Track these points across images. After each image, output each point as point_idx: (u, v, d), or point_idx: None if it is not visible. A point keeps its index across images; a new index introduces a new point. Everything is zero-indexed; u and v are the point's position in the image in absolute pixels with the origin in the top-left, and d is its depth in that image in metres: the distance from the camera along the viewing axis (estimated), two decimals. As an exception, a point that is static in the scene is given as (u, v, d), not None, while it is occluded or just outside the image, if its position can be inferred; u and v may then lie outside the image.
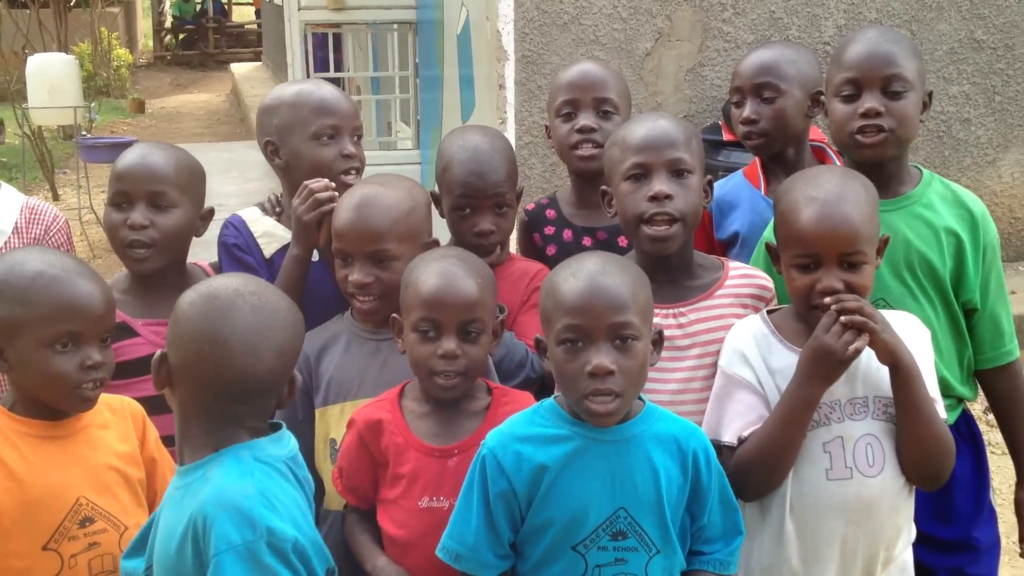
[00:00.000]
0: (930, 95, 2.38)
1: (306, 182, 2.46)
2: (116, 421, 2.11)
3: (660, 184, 2.16)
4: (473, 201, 2.47)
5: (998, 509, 3.81)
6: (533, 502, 1.92)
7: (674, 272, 2.25)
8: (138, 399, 2.34)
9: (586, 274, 1.89)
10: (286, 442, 1.84)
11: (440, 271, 2.10)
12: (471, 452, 2.04)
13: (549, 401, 1.98)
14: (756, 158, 2.82)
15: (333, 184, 2.45)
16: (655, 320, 2.19)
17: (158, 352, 1.80)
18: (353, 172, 2.57)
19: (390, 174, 2.51)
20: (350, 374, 2.32)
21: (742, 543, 2.04)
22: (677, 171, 2.18)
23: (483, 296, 2.10)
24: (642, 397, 1.99)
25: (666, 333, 2.19)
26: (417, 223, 2.36)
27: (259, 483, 1.71)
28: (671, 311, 2.22)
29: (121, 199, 2.38)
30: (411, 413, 2.14)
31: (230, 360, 1.74)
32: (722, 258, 2.36)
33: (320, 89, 2.64)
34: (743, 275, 2.29)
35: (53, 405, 2.02)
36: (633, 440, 1.92)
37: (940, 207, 2.34)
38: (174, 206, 2.41)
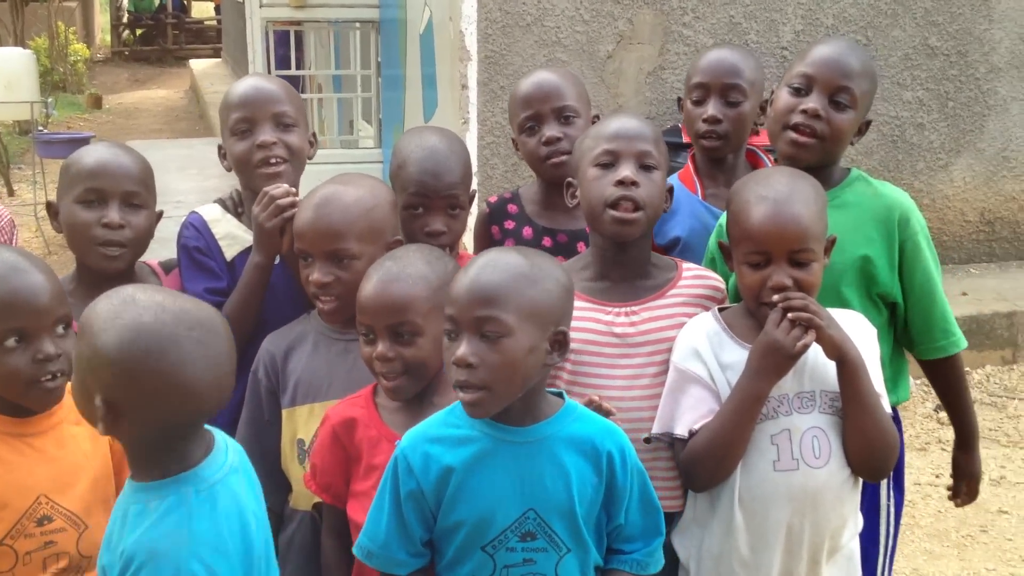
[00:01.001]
0: (867, 124, 2.43)
1: (266, 188, 2.42)
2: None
3: (628, 170, 2.20)
4: (426, 200, 2.46)
5: (946, 504, 3.92)
6: (442, 503, 1.93)
7: (628, 269, 2.28)
8: None
9: (475, 265, 1.91)
10: (223, 452, 1.76)
11: (375, 275, 2.10)
12: None
13: None
14: (689, 161, 2.83)
15: (294, 190, 2.42)
16: (607, 318, 2.24)
17: (97, 400, 1.64)
18: (276, 161, 2.50)
19: (354, 173, 2.49)
20: (319, 375, 2.31)
21: (661, 541, 2.06)
22: (644, 165, 2.23)
23: (416, 298, 2.08)
24: (563, 396, 2.00)
25: (618, 331, 2.24)
26: (378, 222, 2.33)
27: (195, 531, 1.64)
28: (623, 309, 2.25)
29: (93, 196, 2.35)
30: (384, 409, 2.15)
31: (192, 399, 1.65)
32: (676, 259, 2.40)
33: (242, 83, 2.61)
34: (696, 275, 2.33)
35: (17, 402, 1.99)
36: (544, 441, 1.92)
37: (852, 208, 2.38)
38: (144, 206, 2.41)
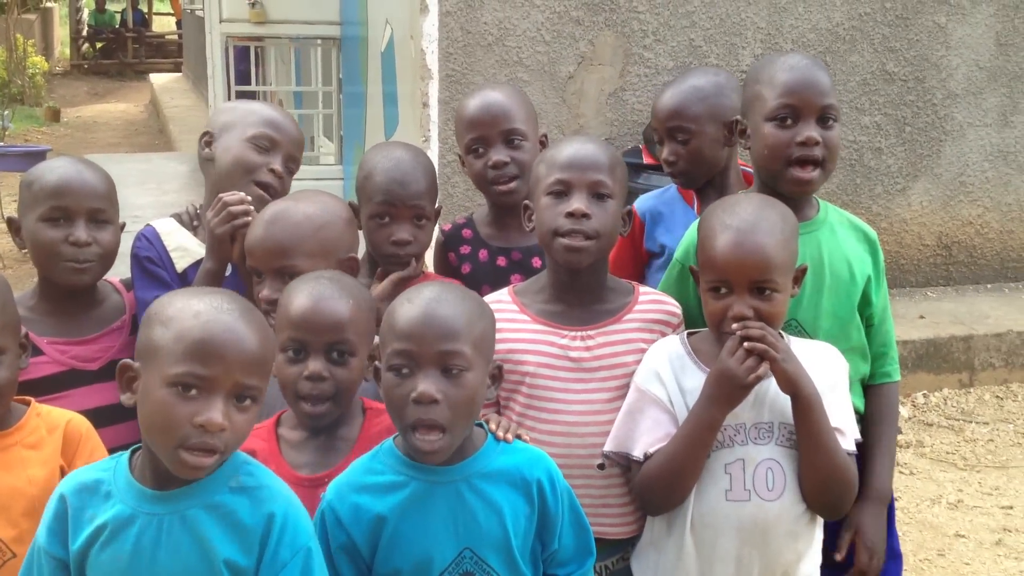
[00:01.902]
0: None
1: (221, 194, 2.43)
2: (48, 441, 2.05)
3: (579, 202, 2.18)
4: (392, 209, 2.46)
5: (904, 528, 3.93)
6: (376, 552, 1.89)
7: (584, 294, 2.26)
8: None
9: (421, 299, 1.87)
10: None
11: (310, 291, 2.05)
12: None
13: (388, 443, 1.93)
14: None
15: (248, 198, 2.42)
16: (562, 341, 2.22)
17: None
18: (270, 189, 2.54)
19: (309, 190, 2.49)
20: (271, 392, 2.28)
21: (593, 561, 2.04)
22: (598, 194, 2.20)
23: (355, 317, 2.05)
24: (485, 428, 1.97)
25: (573, 355, 2.22)
26: (330, 239, 2.32)
27: None
28: (579, 334, 2.23)
29: (59, 214, 2.32)
30: (285, 442, 2.08)
31: None
32: (633, 282, 2.38)
33: (279, 110, 2.68)
34: (652, 300, 2.31)
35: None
36: (472, 478, 1.89)
37: (843, 229, 2.41)
38: (110, 222, 2.39)
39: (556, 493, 1.94)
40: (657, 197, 2.93)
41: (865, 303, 2.40)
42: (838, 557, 2.34)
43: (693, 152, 2.72)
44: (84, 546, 1.69)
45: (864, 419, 2.43)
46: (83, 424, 2.11)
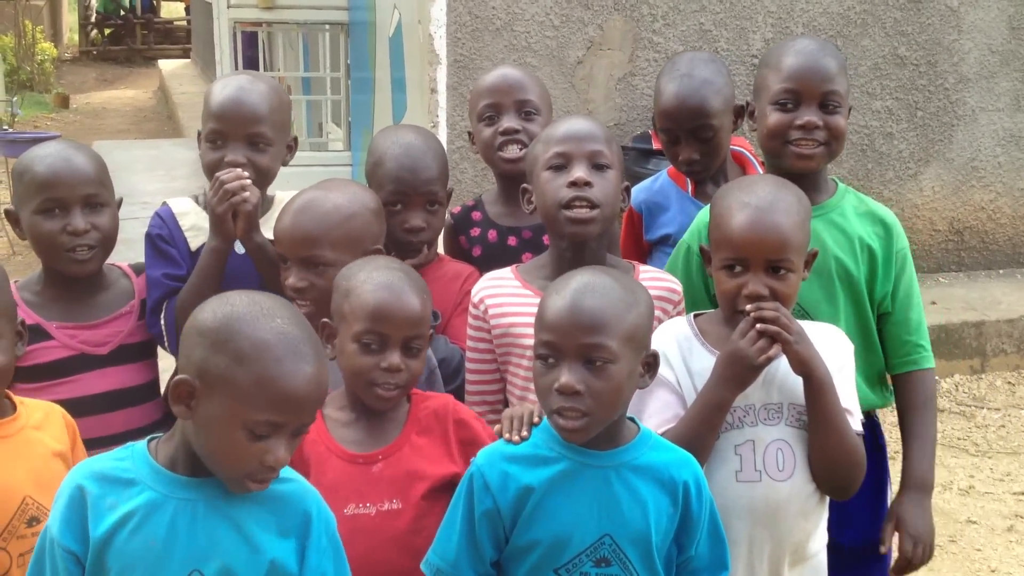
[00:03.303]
0: (849, 110, 2.43)
1: (217, 174, 2.42)
2: (48, 423, 2.08)
3: (580, 171, 2.19)
4: (405, 197, 2.47)
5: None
6: (518, 523, 1.91)
7: None
8: (55, 403, 2.29)
9: (569, 289, 1.88)
10: None
11: (386, 284, 2.06)
12: (395, 457, 2.04)
13: (544, 421, 1.97)
14: None
15: (245, 174, 2.41)
16: None
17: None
18: (249, 180, 2.44)
19: (338, 179, 2.50)
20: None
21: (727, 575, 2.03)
22: (597, 164, 2.22)
23: (426, 311, 2.09)
24: (637, 422, 1.98)
25: None
26: (357, 230, 2.32)
27: None
28: None
29: (53, 205, 2.31)
30: (333, 422, 2.11)
31: None
32: (632, 261, 2.38)
33: (226, 87, 2.55)
34: (652, 278, 2.32)
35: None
36: (623, 467, 1.91)
37: (853, 217, 2.41)
38: (106, 204, 2.38)
39: (701, 499, 1.94)
40: (648, 187, 2.92)
41: (874, 285, 2.40)
42: (882, 549, 2.36)
43: (715, 147, 2.71)
44: (107, 534, 1.68)
45: (898, 409, 2.47)
46: (61, 410, 2.13)
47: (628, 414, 1.98)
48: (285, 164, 2.62)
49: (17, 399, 2.07)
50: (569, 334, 1.84)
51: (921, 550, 2.36)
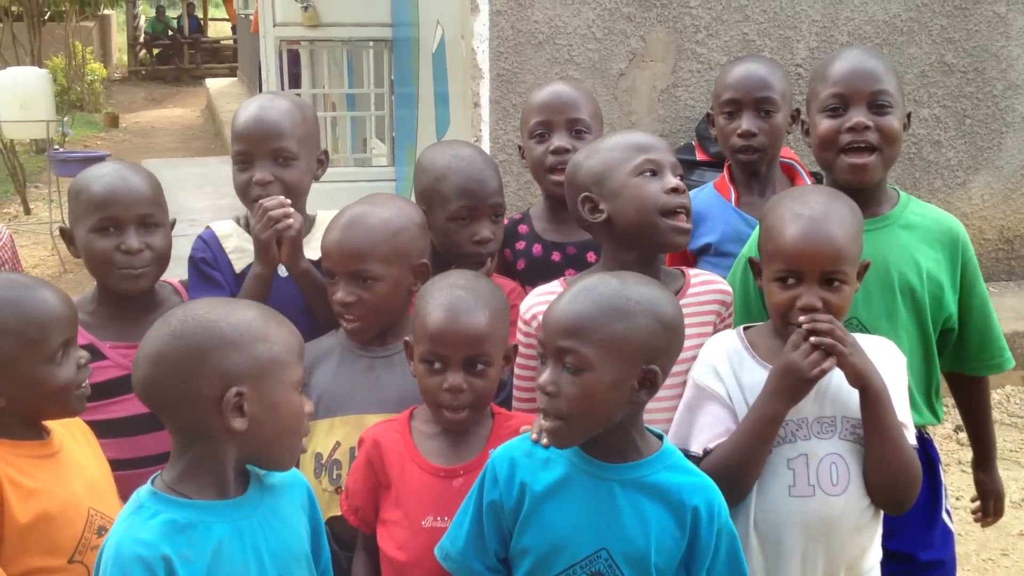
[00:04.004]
0: (908, 116, 2.40)
1: (261, 200, 2.44)
2: (78, 434, 2.13)
3: (675, 180, 2.22)
4: (474, 210, 2.50)
5: (966, 527, 3.86)
6: (518, 522, 1.91)
7: None
8: (107, 422, 2.32)
9: (571, 290, 1.89)
10: None
11: (447, 303, 2.07)
12: (475, 473, 2.02)
13: None
14: (725, 170, 2.85)
15: (288, 201, 2.43)
16: None
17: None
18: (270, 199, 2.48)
19: (385, 194, 2.52)
20: (341, 390, 2.31)
21: None
22: (680, 175, 2.24)
23: (491, 328, 2.08)
24: (663, 437, 1.95)
25: None
26: (404, 245, 2.32)
27: None
28: None
29: (108, 224, 2.34)
30: (420, 434, 2.14)
31: None
32: (681, 268, 2.38)
33: (247, 108, 2.59)
34: (703, 282, 2.31)
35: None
36: (629, 482, 1.87)
37: (918, 228, 2.36)
38: (160, 224, 2.41)
39: (712, 526, 1.88)
40: (693, 197, 2.90)
41: (938, 308, 2.36)
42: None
43: (774, 128, 2.71)
44: None
45: (969, 408, 2.63)
46: (80, 421, 2.17)
47: (655, 429, 1.96)
48: (317, 179, 2.64)
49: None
50: (550, 334, 1.84)
51: (999, 504, 2.72)
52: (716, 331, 2.26)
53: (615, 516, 1.86)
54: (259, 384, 1.74)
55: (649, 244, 2.24)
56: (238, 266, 2.57)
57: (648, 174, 2.20)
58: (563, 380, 1.81)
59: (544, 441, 1.93)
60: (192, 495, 1.75)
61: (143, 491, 1.78)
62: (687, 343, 2.18)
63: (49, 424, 2.05)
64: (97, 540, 1.97)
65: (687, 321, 2.21)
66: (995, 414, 5.05)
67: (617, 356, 1.82)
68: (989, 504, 2.71)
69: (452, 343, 2.05)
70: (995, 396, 5.25)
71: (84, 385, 2.03)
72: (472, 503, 1.95)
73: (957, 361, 2.49)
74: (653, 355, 1.86)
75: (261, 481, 1.86)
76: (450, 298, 2.08)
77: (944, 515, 2.45)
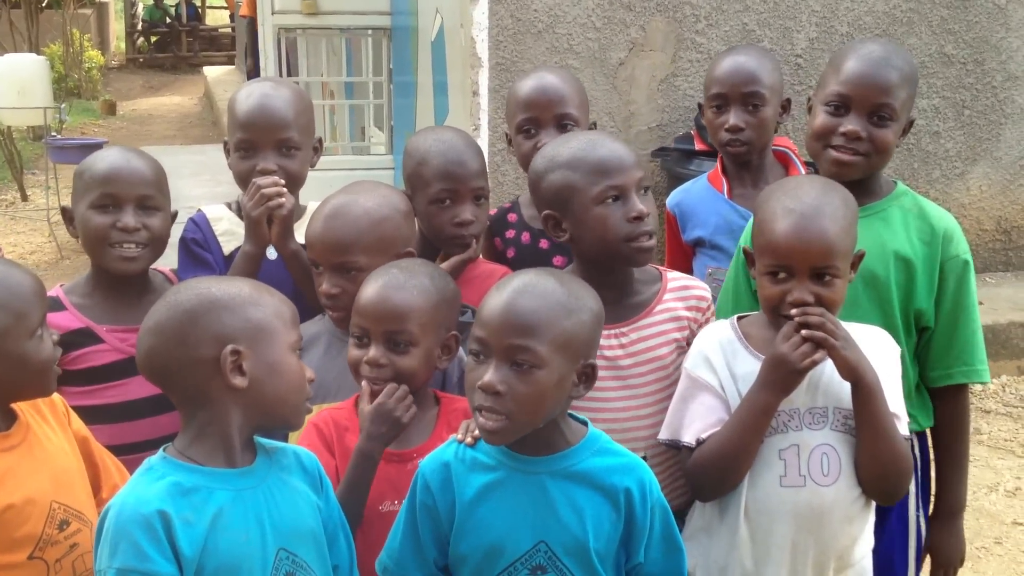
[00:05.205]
0: (911, 122, 2.39)
1: (254, 179, 2.46)
2: (47, 412, 2.09)
3: (641, 203, 2.16)
4: (454, 192, 2.48)
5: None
6: (454, 526, 1.89)
7: (616, 290, 2.22)
8: (104, 406, 2.32)
9: (510, 288, 1.84)
10: None
11: (378, 278, 2.10)
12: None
13: None
14: (718, 163, 2.85)
15: (282, 180, 2.45)
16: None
17: None
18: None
19: (369, 182, 2.50)
20: (329, 376, 2.30)
21: (703, 543, 2.03)
22: (645, 187, 2.19)
23: (416, 308, 2.07)
24: (587, 423, 1.95)
25: (608, 355, 2.19)
26: (388, 234, 2.32)
27: None
28: (613, 331, 2.21)
29: (108, 201, 2.35)
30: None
31: None
32: (659, 267, 2.35)
33: (249, 97, 2.58)
34: (680, 287, 2.30)
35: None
36: (559, 473, 1.87)
37: (897, 222, 2.34)
38: (159, 208, 2.41)
39: (646, 505, 1.88)
40: (686, 191, 2.91)
41: (907, 299, 2.32)
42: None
43: (761, 122, 2.70)
44: (202, 542, 1.73)
45: (935, 426, 2.40)
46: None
47: (579, 416, 1.95)
48: (312, 167, 2.65)
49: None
50: (498, 333, 1.79)
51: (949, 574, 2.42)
52: (692, 335, 2.25)
53: (550, 508, 1.86)
54: (255, 344, 1.79)
55: (613, 263, 2.22)
56: (227, 248, 2.58)
57: (611, 200, 2.15)
58: (511, 379, 1.78)
59: (469, 440, 1.92)
60: (200, 461, 1.79)
61: (154, 457, 1.81)
62: (664, 351, 2.21)
63: (21, 410, 2.01)
64: (59, 535, 1.96)
65: (661, 329, 2.23)
66: (990, 403, 5.09)
67: (565, 353, 1.81)
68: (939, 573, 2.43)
69: (372, 316, 2.08)
70: (991, 386, 5.26)
71: (57, 364, 2.01)
72: (405, 513, 1.93)
73: (923, 367, 2.38)
74: (590, 350, 1.88)
75: (270, 456, 1.87)
76: (384, 274, 2.11)
77: (913, 511, 2.40)
